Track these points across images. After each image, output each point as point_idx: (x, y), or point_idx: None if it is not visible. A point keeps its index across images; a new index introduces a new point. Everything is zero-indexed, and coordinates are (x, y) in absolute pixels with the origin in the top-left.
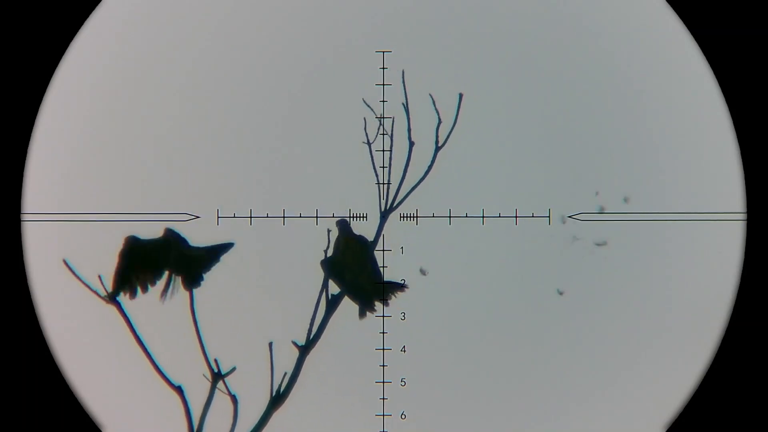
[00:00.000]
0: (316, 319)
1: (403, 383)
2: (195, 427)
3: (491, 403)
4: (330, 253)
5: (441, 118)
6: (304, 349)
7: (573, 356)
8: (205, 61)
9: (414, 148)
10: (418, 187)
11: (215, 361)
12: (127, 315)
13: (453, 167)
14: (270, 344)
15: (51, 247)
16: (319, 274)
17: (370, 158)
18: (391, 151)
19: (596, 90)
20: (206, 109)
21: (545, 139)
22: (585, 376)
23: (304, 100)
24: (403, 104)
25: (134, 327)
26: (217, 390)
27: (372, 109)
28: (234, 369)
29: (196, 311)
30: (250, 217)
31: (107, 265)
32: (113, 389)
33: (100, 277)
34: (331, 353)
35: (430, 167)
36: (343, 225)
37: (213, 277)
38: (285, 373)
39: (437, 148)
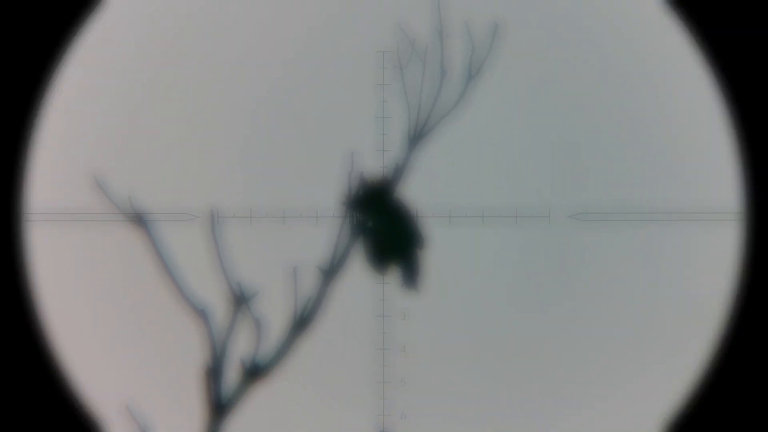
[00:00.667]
0: (340, 244)
1: (403, 383)
2: (218, 351)
3: (491, 403)
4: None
5: (475, 46)
6: (328, 274)
7: (573, 356)
8: (204, 61)
9: (444, 76)
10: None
11: (238, 285)
12: (154, 237)
13: (453, 167)
14: (294, 269)
15: (51, 247)
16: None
17: (402, 85)
18: (422, 79)
19: (597, 90)
20: (206, 109)
21: (545, 138)
22: (585, 376)
23: (304, 100)
24: (438, 31)
25: (160, 250)
26: (240, 315)
27: (407, 34)
28: (257, 293)
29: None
30: (250, 217)
31: (108, 265)
32: (113, 389)
33: (129, 198)
34: (331, 353)
35: (461, 96)
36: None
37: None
38: (309, 298)
39: (470, 78)
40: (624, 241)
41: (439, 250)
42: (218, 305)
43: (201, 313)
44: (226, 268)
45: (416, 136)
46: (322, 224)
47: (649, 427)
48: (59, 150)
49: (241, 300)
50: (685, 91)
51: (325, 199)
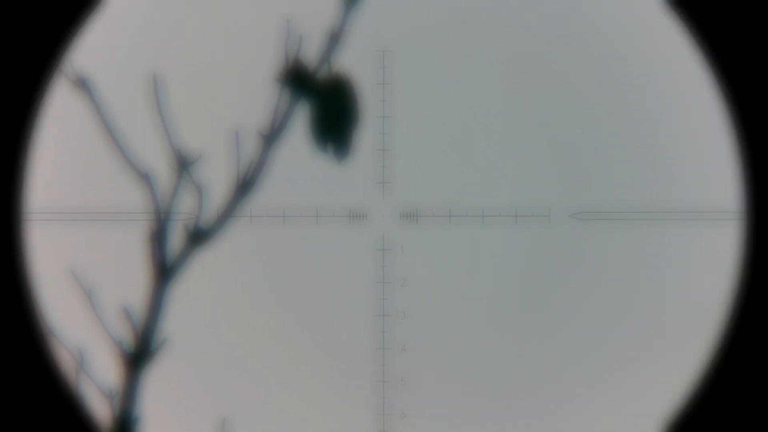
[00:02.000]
0: (279, 108)
1: (403, 383)
2: (162, 215)
3: (491, 402)
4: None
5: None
6: (269, 139)
7: (573, 356)
8: (204, 61)
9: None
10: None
11: (180, 149)
12: (96, 100)
13: (453, 167)
14: (236, 133)
15: (51, 247)
16: (324, 272)
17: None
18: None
19: (597, 89)
20: (206, 109)
21: (546, 138)
22: (585, 376)
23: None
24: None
25: (103, 113)
26: (183, 179)
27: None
28: (200, 157)
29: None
30: (250, 216)
31: (107, 265)
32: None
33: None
34: (331, 353)
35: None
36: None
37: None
38: (251, 162)
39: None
40: (624, 240)
41: (439, 250)
42: (161, 170)
43: (145, 177)
44: (169, 133)
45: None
46: (321, 224)
47: (649, 427)
48: (59, 150)
49: (183, 164)
50: (685, 91)
51: (326, 198)
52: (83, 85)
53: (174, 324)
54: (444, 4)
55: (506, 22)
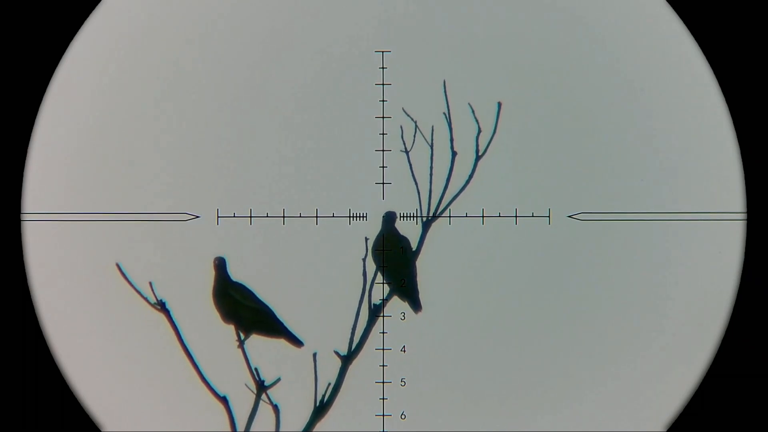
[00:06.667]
0: (358, 327)
1: (403, 383)
2: None
3: (491, 402)
4: (371, 251)
5: (481, 127)
6: (347, 359)
7: (573, 356)
8: (205, 61)
9: (454, 157)
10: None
11: (256, 370)
12: (176, 323)
13: (452, 167)
14: (314, 354)
15: (51, 247)
16: (320, 275)
17: (408, 166)
18: (431, 159)
19: (596, 90)
20: (206, 109)
21: (545, 139)
22: (585, 376)
23: (304, 100)
24: (444, 114)
25: (182, 336)
26: (260, 401)
27: (411, 117)
28: (279, 380)
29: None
30: (250, 217)
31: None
32: (113, 389)
33: (151, 284)
34: (331, 353)
35: (470, 176)
36: (390, 218)
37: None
38: (328, 384)
39: (477, 157)
40: (623, 240)
41: (439, 251)
42: (239, 392)
43: (222, 401)
44: (246, 355)
45: (430, 219)
46: (321, 224)
47: (649, 426)
48: (59, 150)
49: (261, 386)
50: (685, 92)
51: (326, 198)
52: (162, 307)
53: None
54: (444, 5)
55: (506, 23)
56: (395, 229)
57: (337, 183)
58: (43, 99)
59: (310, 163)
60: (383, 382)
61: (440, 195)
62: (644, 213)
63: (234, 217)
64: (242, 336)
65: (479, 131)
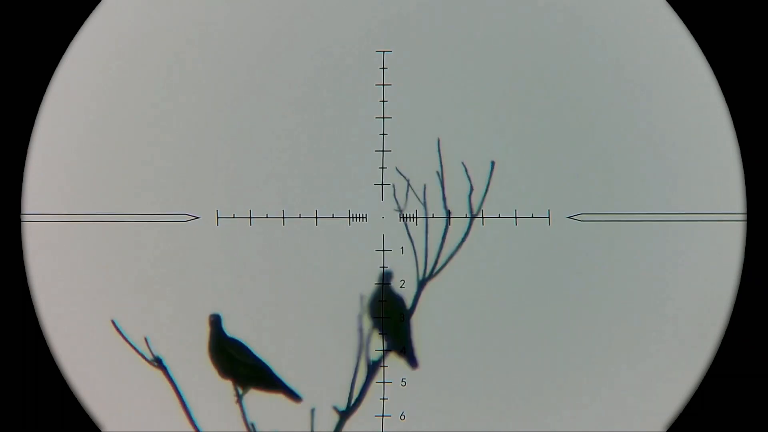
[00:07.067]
0: (357, 382)
1: (403, 383)
2: None
3: (492, 403)
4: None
5: (473, 186)
6: (345, 414)
7: (573, 356)
8: (205, 62)
9: (449, 218)
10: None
11: (252, 425)
12: (173, 379)
13: (453, 168)
14: (312, 410)
15: (51, 247)
16: (320, 275)
17: (405, 228)
18: (426, 217)
19: (596, 90)
20: (207, 110)
21: (545, 139)
22: (585, 376)
23: (304, 100)
24: (437, 173)
25: (180, 392)
26: None
27: (404, 176)
28: None
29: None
30: (250, 217)
31: (107, 265)
32: (113, 389)
33: (146, 339)
34: (332, 354)
35: (465, 235)
36: (386, 276)
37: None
38: None
39: (472, 217)
40: (623, 241)
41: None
42: None
43: None
44: (244, 412)
45: (425, 279)
46: (321, 225)
47: (649, 426)
48: (59, 150)
49: None
50: (685, 92)
51: (326, 199)
52: (159, 364)
53: None
54: (444, 5)
55: (507, 23)
56: (392, 289)
57: (337, 183)
58: (43, 99)
59: (310, 164)
60: (383, 382)
61: (436, 255)
62: (644, 213)
63: (234, 217)
64: (240, 391)
65: (471, 189)
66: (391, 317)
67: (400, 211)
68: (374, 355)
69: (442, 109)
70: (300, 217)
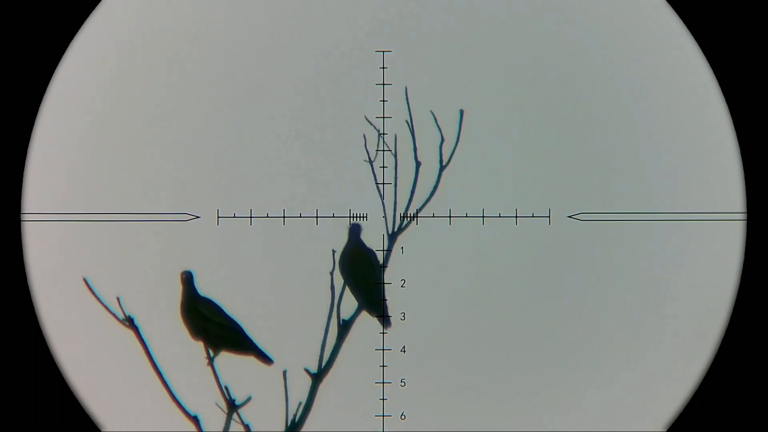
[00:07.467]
0: (327, 344)
1: (403, 383)
2: None
3: (491, 403)
4: (338, 257)
5: (443, 135)
6: (317, 377)
7: (573, 356)
8: (205, 62)
9: (418, 168)
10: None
11: (226, 389)
12: (145, 341)
13: (453, 168)
14: (284, 372)
15: (51, 247)
16: (320, 276)
17: (372, 177)
18: (396, 169)
19: (596, 90)
20: (207, 110)
21: (545, 139)
22: (585, 376)
23: (304, 100)
24: (407, 122)
25: (152, 354)
26: (231, 420)
27: (374, 126)
28: (250, 399)
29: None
30: (250, 217)
31: (107, 265)
32: (113, 388)
33: (118, 299)
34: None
35: (435, 187)
36: (355, 230)
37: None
38: (299, 403)
39: (441, 168)
40: (623, 241)
41: (439, 251)
42: (210, 410)
43: (193, 420)
44: (217, 374)
45: (395, 232)
46: (322, 224)
47: (649, 426)
48: (59, 150)
49: (232, 406)
50: (685, 92)
51: (326, 198)
52: (131, 323)
53: None
54: (444, 5)
55: (507, 23)
56: (362, 242)
57: (337, 183)
58: (43, 99)
59: (310, 163)
60: (383, 383)
61: (405, 207)
62: (644, 213)
63: (234, 217)
64: (211, 353)
65: (442, 140)
66: (363, 273)
67: (371, 161)
68: (346, 315)
69: (442, 109)
70: (300, 217)
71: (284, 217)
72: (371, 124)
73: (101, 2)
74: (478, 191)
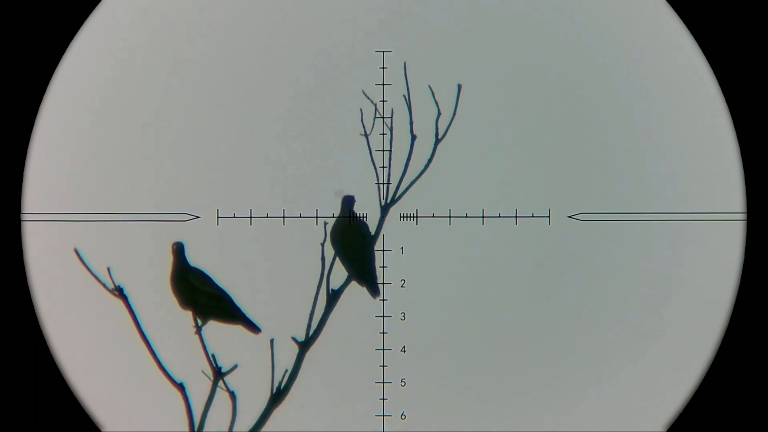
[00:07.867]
0: (316, 314)
1: (403, 383)
2: (196, 424)
3: (491, 403)
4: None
5: (440, 110)
6: (304, 345)
7: (573, 356)
8: (205, 62)
9: (413, 141)
10: (418, 181)
11: (213, 356)
12: (134, 310)
13: (453, 167)
14: (271, 341)
15: (51, 247)
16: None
17: (368, 150)
18: (391, 144)
19: (596, 90)
20: (207, 110)
21: (545, 139)
22: (585, 376)
23: (304, 100)
24: (404, 96)
25: (140, 323)
26: (217, 387)
27: (371, 100)
28: (236, 366)
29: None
30: (250, 217)
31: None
32: (113, 388)
33: (109, 269)
34: (331, 354)
35: (430, 160)
36: (348, 201)
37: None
38: (285, 370)
39: (437, 141)
40: (623, 241)
41: (439, 251)
42: (196, 378)
43: (179, 387)
44: (204, 342)
45: (388, 204)
46: (322, 224)
47: (649, 426)
48: (59, 150)
49: (218, 373)
50: (686, 92)
51: (326, 198)
52: (120, 293)
53: None
54: (444, 5)
55: (507, 23)
56: (354, 213)
57: (337, 183)
58: (43, 99)
59: (310, 163)
60: (383, 383)
61: (399, 180)
62: (644, 213)
63: (234, 217)
64: (200, 322)
65: (439, 114)
66: (353, 243)
67: (366, 135)
68: (335, 285)
69: (442, 108)
70: (300, 217)
71: (284, 217)
72: (368, 97)
73: (101, 2)
74: (478, 191)
